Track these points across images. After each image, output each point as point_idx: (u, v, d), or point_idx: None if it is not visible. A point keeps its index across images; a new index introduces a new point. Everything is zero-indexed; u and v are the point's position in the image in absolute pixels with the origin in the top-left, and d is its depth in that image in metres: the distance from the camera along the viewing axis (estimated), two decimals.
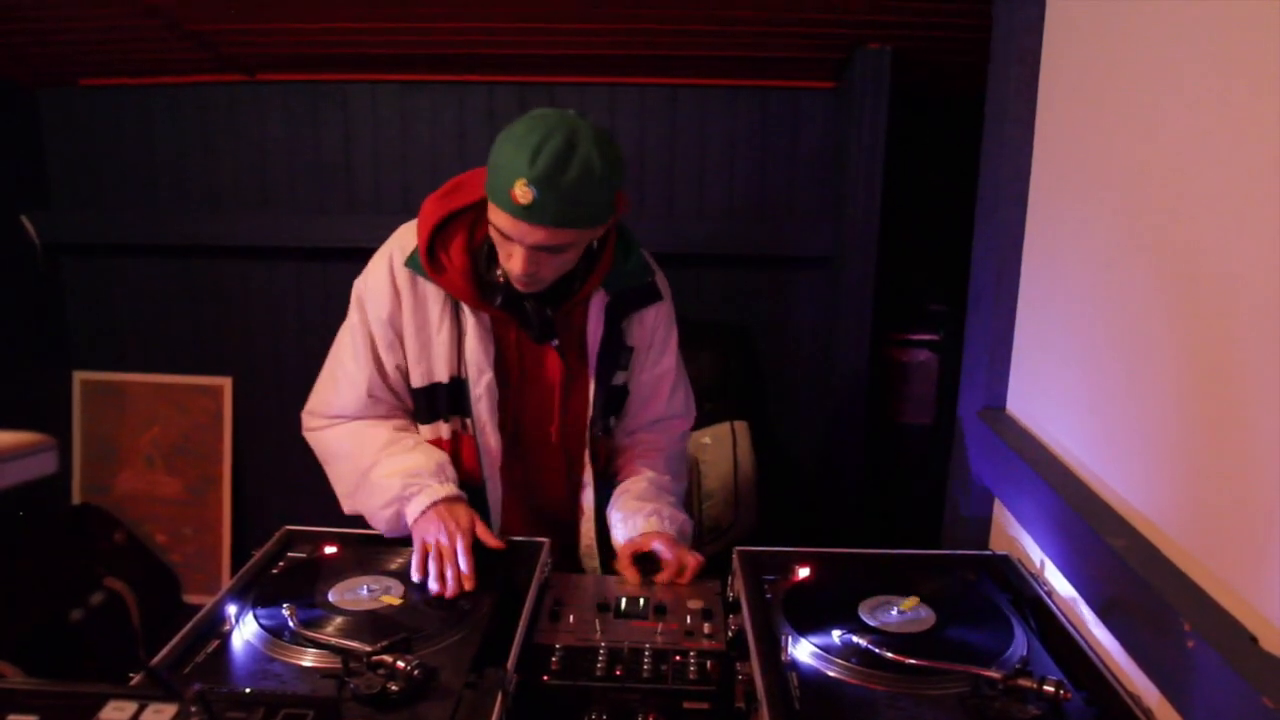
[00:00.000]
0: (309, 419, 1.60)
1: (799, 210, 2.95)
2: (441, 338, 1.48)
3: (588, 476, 1.62)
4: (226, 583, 1.28)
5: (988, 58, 1.65)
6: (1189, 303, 1.05)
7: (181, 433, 3.14)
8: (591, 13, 2.28)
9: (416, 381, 1.52)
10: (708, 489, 2.70)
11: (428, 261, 1.43)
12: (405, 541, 1.42)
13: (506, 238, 1.33)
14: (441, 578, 1.30)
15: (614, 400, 1.63)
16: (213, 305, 3.13)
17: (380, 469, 1.46)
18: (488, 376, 1.49)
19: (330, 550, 1.41)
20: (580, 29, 2.40)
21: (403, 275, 1.46)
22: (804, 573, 1.33)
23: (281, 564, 1.38)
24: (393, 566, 1.33)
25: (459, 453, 1.55)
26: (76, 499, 3.16)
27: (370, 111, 2.93)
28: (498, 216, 1.32)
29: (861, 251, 2.66)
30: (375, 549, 1.40)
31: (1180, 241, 1.07)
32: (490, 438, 1.52)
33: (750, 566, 1.34)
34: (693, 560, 1.42)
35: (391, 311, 1.48)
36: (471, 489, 1.52)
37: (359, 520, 1.59)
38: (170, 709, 0.73)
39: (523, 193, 1.26)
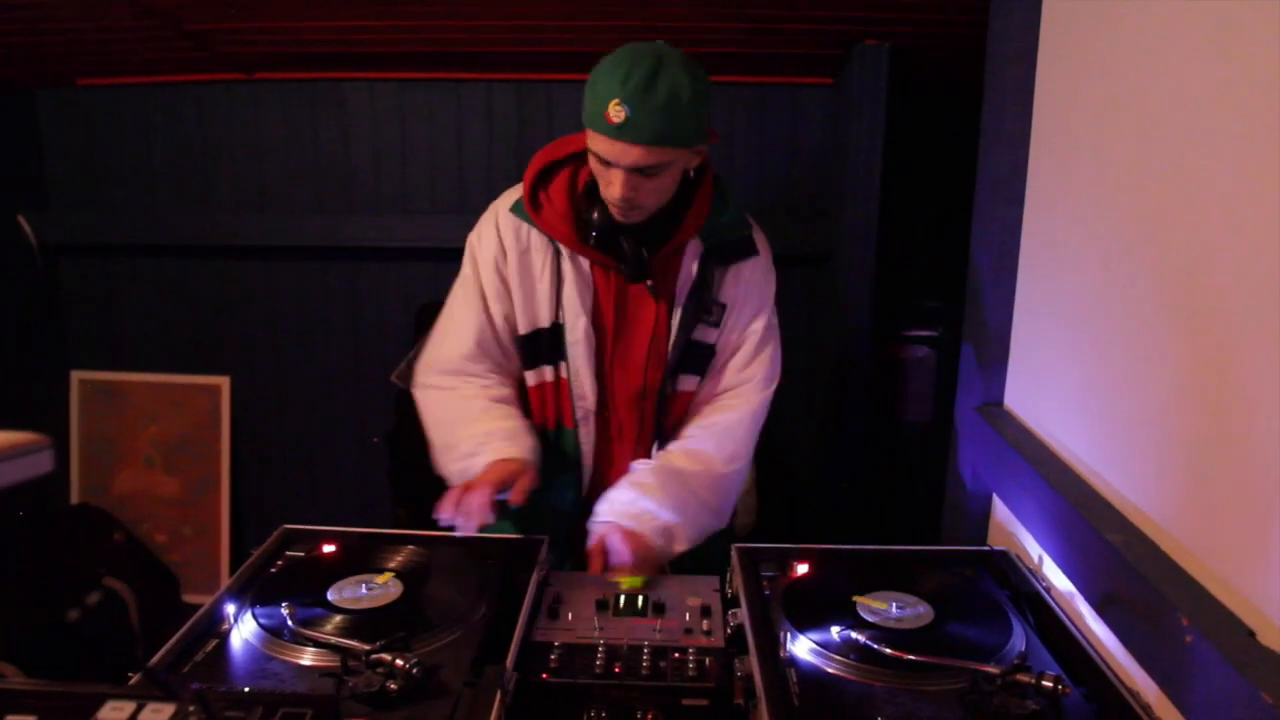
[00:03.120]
0: (421, 374, 1.67)
1: (797, 207, 2.95)
2: (544, 285, 1.56)
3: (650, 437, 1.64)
4: (225, 582, 1.28)
5: (985, 53, 1.65)
6: (1186, 298, 1.05)
7: (180, 432, 3.14)
8: (588, 10, 2.28)
9: (522, 328, 1.59)
10: None
11: (530, 204, 1.51)
12: (404, 540, 1.42)
13: (605, 163, 1.40)
14: (453, 506, 1.38)
15: (696, 357, 1.63)
16: (211, 305, 3.13)
17: (464, 431, 1.55)
18: (584, 322, 1.55)
19: (329, 549, 1.41)
20: (577, 26, 2.40)
21: (507, 225, 1.55)
22: (802, 569, 1.33)
23: (280, 563, 1.38)
24: (391, 565, 1.33)
25: (559, 397, 1.61)
26: (75, 499, 3.17)
27: (368, 110, 2.93)
28: (595, 141, 1.39)
29: (860, 248, 2.66)
30: (374, 547, 1.40)
31: (1177, 236, 1.07)
32: (585, 384, 1.57)
33: (749, 563, 1.34)
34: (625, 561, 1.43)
35: (497, 258, 1.56)
36: (566, 434, 1.60)
37: (358, 519, 1.60)
38: (168, 709, 0.73)
39: (616, 111, 1.33)
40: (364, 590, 1.24)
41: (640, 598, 1.32)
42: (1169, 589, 0.97)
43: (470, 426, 1.54)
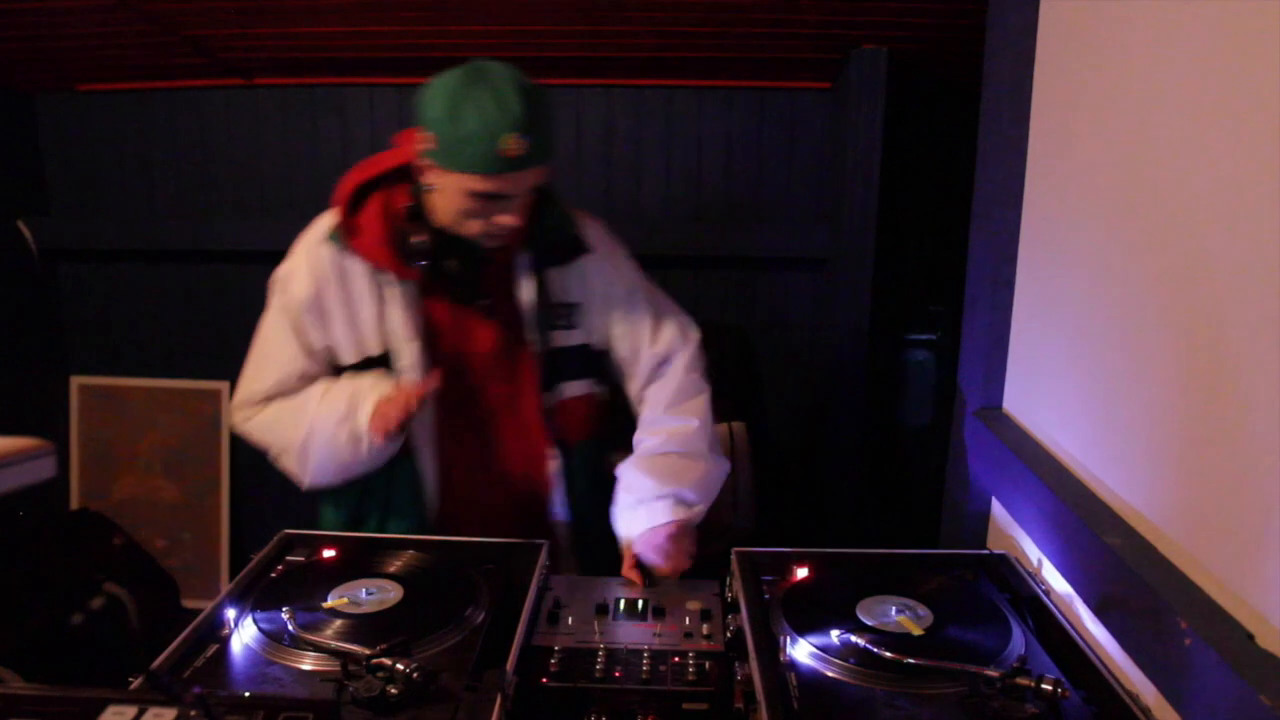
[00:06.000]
0: (239, 412, 1.56)
1: (796, 211, 2.96)
2: (368, 312, 1.49)
3: (550, 451, 1.59)
4: (225, 587, 1.28)
5: (983, 58, 1.65)
6: (1185, 300, 1.05)
7: (179, 437, 3.14)
8: (588, 15, 2.29)
9: (349, 358, 1.52)
10: None
11: (345, 235, 1.44)
12: (404, 544, 1.42)
13: (495, 198, 1.35)
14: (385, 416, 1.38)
15: (570, 362, 1.59)
16: (210, 309, 3.13)
17: (321, 411, 1.46)
18: (413, 347, 1.49)
19: (329, 553, 1.41)
20: (576, 31, 2.40)
21: (323, 256, 1.47)
22: (802, 573, 1.34)
23: (280, 568, 1.38)
24: (391, 569, 1.34)
25: None
26: (75, 504, 3.16)
27: (367, 115, 2.94)
28: (484, 184, 1.33)
29: (859, 251, 2.67)
30: (374, 551, 1.40)
31: (1176, 239, 1.07)
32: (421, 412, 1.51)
33: (748, 567, 1.35)
34: (683, 563, 1.43)
35: (313, 293, 1.48)
36: (404, 463, 1.53)
37: (358, 524, 1.59)
38: (170, 713, 0.74)
39: (517, 144, 1.29)
40: (364, 595, 1.24)
41: (640, 602, 1.32)
42: (1168, 592, 0.98)
43: (326, 405, 1.46)
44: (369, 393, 1.45)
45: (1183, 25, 1.06)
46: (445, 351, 1.53)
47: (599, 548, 1.59)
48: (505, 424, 1.59)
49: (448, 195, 1.39)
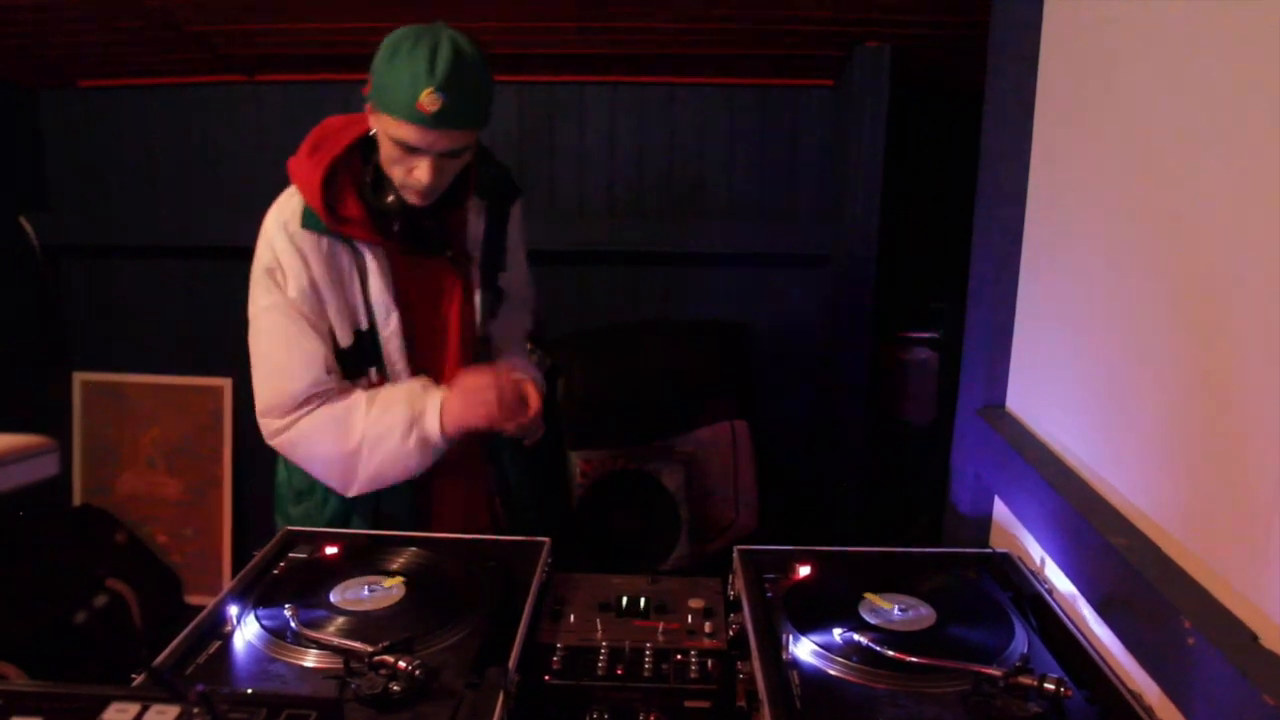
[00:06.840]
0: (271, 422, 1.53)
1: (799, 209, 2.96)
2: (354, 287, 1.53)
3: None
4: (228, 584, 1.28)
5: (987, 54, 1.65)
6: (1188, 299, 1.05)
7: (182, 434, 3.14)
8: (590, 12, 2.28)
9: (344, 340, 1.53)
10: (707, 487, 2.70)
11: (329, 216, 1.46)
12: (407, 542, 1.42)
13: (411, 151, 1.40)
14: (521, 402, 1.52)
15: (497, 302, 1.70)
16: (212, 306, 3.13)
17: (377, 423, 1.49)
18: (395, 315, 1.53)
19: (331, 551, 1.41)
20: (579, 28, 2.40)
21: (308, 241, 1.48)
22: (805, 571, 1.33)
23: (283, 565, 1.38)
24: (394, 567, 1.34)
25: None
26: (77, 500, 3.17)
27: None
28: (401, 130, 1.38)
29: (861, 249, 2.66)
30: (376, 549, 1.40)
31: (1179, 238, 1.07)
32: (404, 378, 1.56)
33: (751, 565, 1.34)
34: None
35: (308, 282, 1.49)
36: None
37: (359, 521, 1.59)
38: (173, 710, 0.74)
39: (431, 100, 1.33)
40: (367, 592, 1.24)
41: (643, 599, 1.32)
42: (1171, 592, 0.97)
43: (380, 412, 1.48)
44: (426, 397, 1.50)
45: (1188, 21, 1.06)
46: (418, 312, 1.57)
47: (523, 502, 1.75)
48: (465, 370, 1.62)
49: (381, 139, 1.44)
